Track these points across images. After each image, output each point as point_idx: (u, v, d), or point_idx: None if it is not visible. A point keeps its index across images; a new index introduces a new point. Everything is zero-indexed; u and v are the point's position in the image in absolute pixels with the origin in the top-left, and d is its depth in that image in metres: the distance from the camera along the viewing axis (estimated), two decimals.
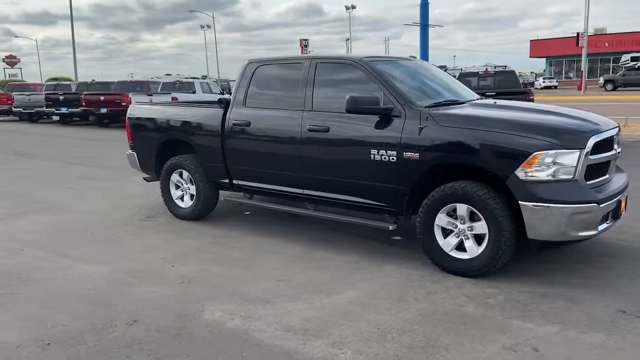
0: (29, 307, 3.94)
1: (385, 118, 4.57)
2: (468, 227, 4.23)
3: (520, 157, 3.92)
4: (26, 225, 6.21)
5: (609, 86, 42.22)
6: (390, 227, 4.69)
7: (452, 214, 4.32)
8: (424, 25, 15.50)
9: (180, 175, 6.30)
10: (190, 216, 6.21)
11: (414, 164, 4.38)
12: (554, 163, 3.88)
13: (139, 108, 6.83)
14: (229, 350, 3.23)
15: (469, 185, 4.15)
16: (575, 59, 60.95)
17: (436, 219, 4.35)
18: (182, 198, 6.37)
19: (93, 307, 3.89)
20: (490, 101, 5.45)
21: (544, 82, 58.19)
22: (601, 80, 46.39)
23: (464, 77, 13.40)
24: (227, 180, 5.88)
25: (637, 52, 50.51)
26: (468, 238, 4.25)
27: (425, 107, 4.53)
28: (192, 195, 6.24)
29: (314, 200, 5.26)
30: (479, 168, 4.19)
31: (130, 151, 6.85)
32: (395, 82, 4.74)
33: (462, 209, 4.22)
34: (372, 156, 4.60)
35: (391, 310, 3.69)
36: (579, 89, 41.74)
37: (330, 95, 5.07)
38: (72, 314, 3.78)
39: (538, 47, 66.45)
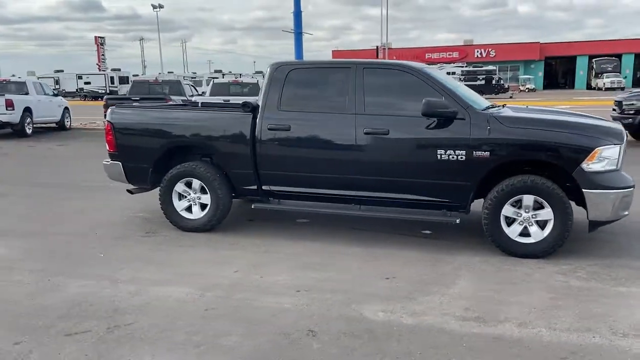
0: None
1: (448, 121, 4.99)
2: (532, 215, 4.89)
3: (585, 152, 4.70)
4: (31, 264, 5.21)
5: None
6: (457, 221, 5.13)
7: (515, 204, 4.94)
8: (298, 33, 16.11)
9: (187, 184, 5.87)
10: (204, 227, 5.83)
11: (483, 162, 4.90)
12: (606, 156, 4.75)
13: (127, 112, 6.15)
14: (438, 344, 3.36)
15: (537, 178, 4.82)
16: None
17: (503, 210, 4.93)
18: (188, 209, 5.93)
19: (263, 326, 3.62)
20: (523, 106, 6.24)
21: None
22: None
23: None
24: (254, 187, 5.69)
25: (430, 65, 58.24)
26: (532, 225, 4.91)
27: (482, 111, 5.08)
28: (202, 205, 5.86)
29: (362, 200, 5.44)
30: (545, 163, 4.88)
31: (112, 161, 6.12)
32: (452, 88, 5.20)
33: (528, 199, 4.86)
34: (438, 156, 4.99)
35: (524, 294, 4.12)
36: None
37: (385, 99, 5.31)
38: (251, 334, 3.49)
39: (340, 58, 72.06)
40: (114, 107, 6.22)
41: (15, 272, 4.70)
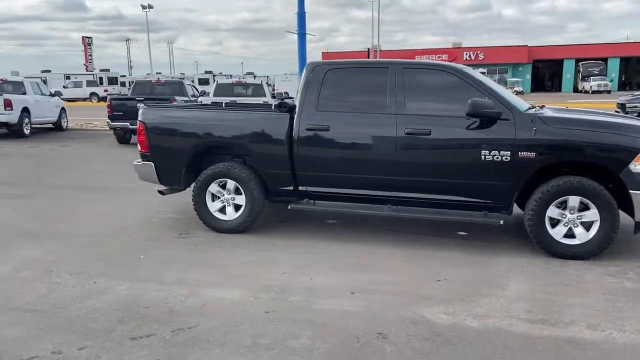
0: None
1: (491, 121, 4.97)
2: (577, 216, 4.89)
3: (633, 153, 4.71)
4: (69, 266, 5.07)
5: None
6: (501, 222, 5.10)
7: (560, 205, 4.93)
8: (302, 34, 16.07)
9: (221, 185, 5.79)
10: (238, 228, 5.75)
11: (528, 162, 4.89)
12: None
13: (160, 112, 6.05)
14: (513, 347, 3.33)
15: (583, 179, 4.81)
16: None
17: (547, 211, 4.92)
18: (221, 210, 5.84)
19: (329, 329, 3.56)
20: (563, 107, 6.24)
21: None
22: None
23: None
24: (291, 188, 5.63)
25: None
26: (577, 226, 4.90)
27: (525, 111, 5.07)
28: (236, 206, 5.78)
29: (399, 201, 5.40)
30: (588, 164, 4.88)
31: (144, 161, 6.01)
32: (495, 89, 5.19)
33: (574, 200, 4.86)
34: (482, 157, 4.96)
35: (581, 296, 4.11)
36: None
37: (426, 99, 5.28)
38: (319, 337, 3.42)
39: (329, 59, 72.03)
40: (145, 107, 6.10)
41: (54, 274, 4.58)
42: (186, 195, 6.38)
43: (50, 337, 3.43)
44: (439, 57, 64.12)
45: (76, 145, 14.54)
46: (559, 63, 63.42)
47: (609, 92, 52.30)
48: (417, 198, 5.31)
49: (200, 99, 14.55)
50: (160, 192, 6.24)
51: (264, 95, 15.57)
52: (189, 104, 7.78)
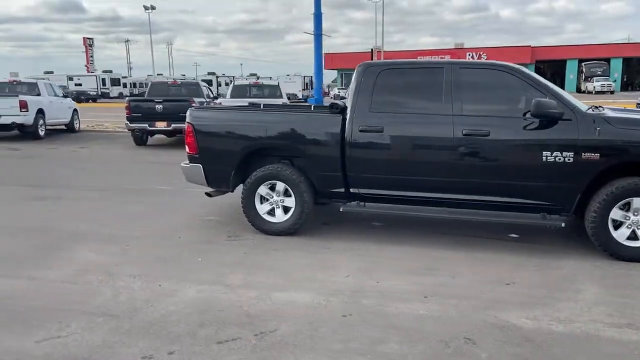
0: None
1: (553, 122, 4.92)
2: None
3: None
4: (129, 269, 5.02)
5: (338, 97, 48.64)
6: (562, 225, 5.04)
7: (623, 207, 4.88)
8: (318, 35, 16.03)
9: (270, 187, 5.73)
10: (288, 231, 5.69)
11: (592, 164, 4.83)
12: None
13: (209, 114, 6.00)
14: (610, 353, 3.28)
15: None
16: None
17: (611, 213, 4.87)
18: (270, 212, 5.78)
19: (414, 334, 3.50)
20: (620, 107, 6.19)
21: (338, 91, 63.66)
22: (332, 93, 52.96)
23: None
24: (342, 190, 5.57)
25: None
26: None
27: (587, 111, 5.02)
28: (285, 208, 5.72)
29: (454, 203, 5.34)
30: None
31: (192, 163, 5.95)
32: (555, 89, 5.13)
33: (638, 202, 4.80)
34: (544, 158, 4.91)
35: None
36: None
37: (483, 100, 5.23)
38: (407, 341, 3.37)
39: (331, 60, 72.24)
40: (193, 108, 6.05)
41: (117, 277, 4.52)
42: (225, 197, 6.36)
43: (135, 342, 3.37)
44: (442, 57, 64.24)
45: (95, 146, 14.46)
46: (562, 63, 63.50)
47: (612, 92, 52.35)
48: (474, 200, 5.25)
49: (219, 100, 14.48)
50: (207, 194, 6.18)
51: (281, 97, 15.52)
52: (238, 105, 7.68)
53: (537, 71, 64.40)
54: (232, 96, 15.41)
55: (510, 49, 63.35)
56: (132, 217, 6.60)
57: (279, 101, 14.40)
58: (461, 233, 5.77)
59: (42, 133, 16.35)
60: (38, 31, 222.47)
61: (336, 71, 73.58)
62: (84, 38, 78.63)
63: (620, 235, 4.88)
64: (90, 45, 79.21)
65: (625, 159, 4.86)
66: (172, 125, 13.93)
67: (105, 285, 4.34)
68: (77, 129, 18.97)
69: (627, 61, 62.43)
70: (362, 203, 5.63)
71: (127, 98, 15.28)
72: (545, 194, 5.03)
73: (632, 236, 4.88)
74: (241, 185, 5.95)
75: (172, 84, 16.88)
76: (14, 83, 18.39)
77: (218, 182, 5.96)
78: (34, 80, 18.67)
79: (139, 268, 4.74)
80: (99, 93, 52.72)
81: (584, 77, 59.35)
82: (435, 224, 5.99)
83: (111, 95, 55.53)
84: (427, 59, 55.09)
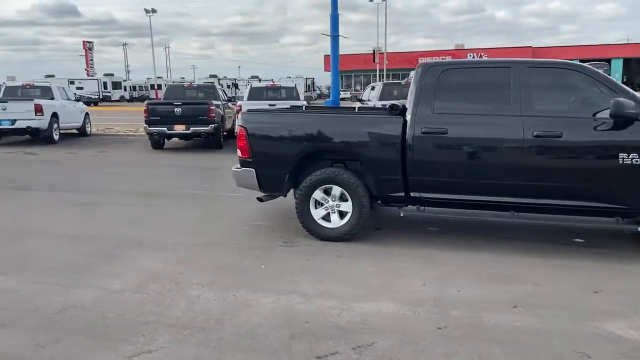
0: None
1: (629, 122, 4.77)
2: None
3: None
4: (196, 278, 4.85)
5: (355, 99, 48.50)
6: (639, 229, 4.89)
7: None
8: (335, 36, 15.92)
9: (325, 191, 5.57)
10: (345, 236, 5.53)
11: None
12: None
13: (262, 117, 5.85)
14: None
15: None
16: (362, 74, 68.35)
17: None
18: (325, 217, 5.62)
19: (522, 347, 3.35)
20: None
21: (340, 94, 63.66)
22: (348, 94, 52.78)
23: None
24: (402, 194, 5.42)
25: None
26: None
27: None
28: (340, 213, 5.56)
29: (521, 207, 5.19)
30: None
31: (244, 167, 5.79)
32: (628, 88, 4.99)
33: None
34: (620, 160, 4.76)
35: None
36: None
37: (553, 100, 5.10)
38: (518, 356, 3.21)
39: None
40: (247, 112, 5.89)
41: (186, 287, 4.35)
42: (268, 202, 6.21)
43: (230, 357, 3.21)
44: (442, 58, 64.17)
45: (113, 150, 14.28)
46: None
47: None
48: (543, 204, 5.10)
49: (239, 102, 14.30)
50: (259, 199, 6.03)
51: (298, 98, 15.36)
52: (291, 107, 7.52)
53: None
54: (249, 98, 15.23)
55: (511, 49, 63.28)
56: (178, 223, 6.43)
57: (298, 104, 14.24)
58: (525, 238, 5.63)
59: (56, 137, 16.16)
60: (33, 35, 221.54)
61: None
62: (83, 41, 78.15)
63: None
64: (90, 49, 78.78)
65: None
66: (191, 128, 13.79)
67: (176, 295, 4.18)
68: (89, 132, 18.80)
69: (626, 61, 62.48)
70: (422, 207, 5.48)
71: (146, 101, 15.07)
72: (620, 197, 4.89)
73: None
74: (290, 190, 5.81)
75: (188, 86, 16.73)
76: (27, 87, 18.19)
77: (271, 187, 5.80)
78: (48, 84, 18.46)
79: (204, 277, 4.58)
80: (101, 97, 52.46)
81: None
82: (495, 228, 5.85)
83: (112, 98, 55.29)
84: (424, 60, 54.82)
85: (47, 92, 17.10)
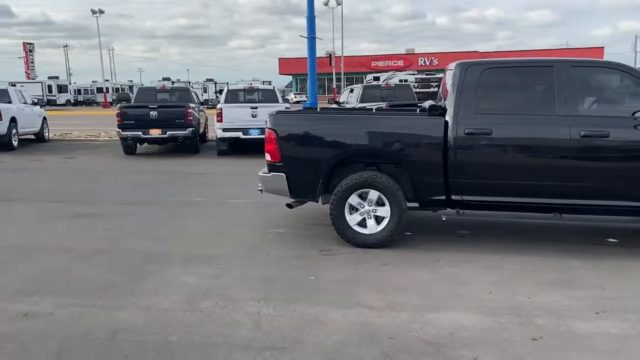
0: None
1: None
2: None
3: None
4: (241, 293, 4.49)
5: (332, 101, 48.31)
6: None
7: None
8: (312, 38, 15.69)
9: (361, 196, 5.33)
10: (383, 242, 5.30)
11: None
12: None
13: (294, 119, 5.54)
14: None
15: None
16: (317, 77, 68.24)
17: None
18: (360, 223, 5.37)
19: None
20: None
21: (295, 97, 63.51)
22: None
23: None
24: (442, 197, 5.24)
25: (377, 72, 58.86)
26: None
27: None
28: (376, 218, 5.33)
29: (565, 209, 5.13)
30: None
31: (273, 172, 5.47)
32: None
33: None
34: None
35: None
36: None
37: (597, 99, 5.05)
38: None
39: (286, 65, 72.05)
40: (276, 114, 5.56)
41: (240, 303, 4.01)
42: (282, 209, 6.00)
43: None
44: (394, 62, 65.22)
45: (82, 157, 13.48)
46: None
47: None
48: (588, 205, 5.04)
49: (219, 105, 13.76)
50: (288, 205, 5.71)
51: (277, 101, 14.99)
52: (324, 110, 7.19)
53: None
54: (226, 101, 14.71)
55: (460, 54, 64.95)
56: (194, 233, 6.02)
57: (280, 106, 13.91)
58: (557, 239, 5.56)
59: (15, 144, 15.16)
60: None
61: (291, 76, 73.33)
62: (23, 43, 74.26)
63: None
64: (31, 51, 75.09)
65: None
66: (168, 132, 13.23)
67: (233, 312, 3.83)
68: (47, 138, 17.76)
69: None
70: (461, 211, 5.33)
71: (118, 105, 14.34)
72: None
73: None
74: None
75: (160, 89, 16.06)
76: None
77: (303, 192, 5.50)
78: (4, 87, 17.29)
79: (254, 291, 4.24)
80: (45, 100, 49.99)
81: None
82: (523, 230, 5.77)
83: (58, 102, 52.85)
84: (377, 64, 55.39)
85: (3, 95, 16.00)
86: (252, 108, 13.23)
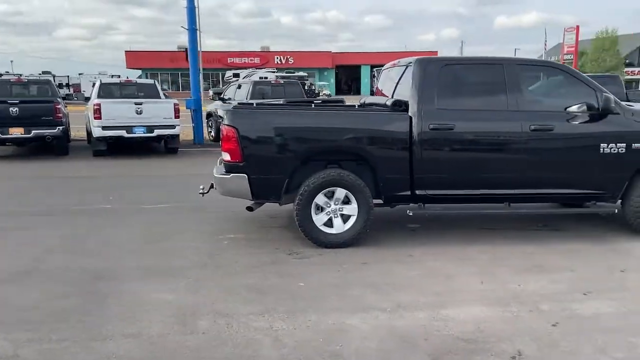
0: None
1: (604, 115, 5.30)
2: None
3: None
4: (246, 308, 3.98)
5: (217, 97, 47.47)
6: (616, 211, 5.47)
7: None
8: (193, 29, 14.85)
9: (328, 195, 5.15)
10: (350, 242, 5.17)
11: (638, 152, 5.34)
12: None
13: (258, 115, 5.13)
14: None
15: None
16: (170, 72, 65.98)
17: None
18: (327, 223, 5.19)
19: None
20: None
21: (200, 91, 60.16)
22: (210, 92, 51.50)
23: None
24: (407, 192, 5.26)
25: (233, 69, 57.98)
26: None
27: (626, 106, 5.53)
28: (344, 217, 5.20)
29: (514, 198, 5.45)
30: None
31: (234, 173, 5.03)
32: (600, 86, 5.53)
33: None
34: (601, 149, 5.27)
35: None
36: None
37: (541, 96, 5.43)
38: None
39: (135, 58, 68.06)
40: (236, 109, 5.10)
41: (241, 318, 3.62)
42: (220, 212, 5.62)
43: None
44: (251, 59, 64.93)
45: None
46: (357, 69, 69.08)
47: None
48: (536, 194, 5.40)
49: (96, 100, 12.37)
50: (249, 208, 5.30)
51: (159, 96, 13.99)
52: (289, 104, 6.67)
53: (336, 76, 69.34)
54: (100, 96, 13.34)
55: (314, 53, 66.90)
56: (133, 243, 5.35)
57: (167, 102, 12.99)
58: (498, 227, 5.89)
59: None
60: None
61: (140, 70, 69.21)
62: None
63: None
64: None
65: None
66: (33, 131, 11.68)
67: (241, 331, 3.43)
68: None
69: None
70: (422, 205, 5.39)
71: None
72: (601, 183, 5.39)
73: None
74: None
75: (16, 81, 14.04)
76: None
77: (266, 194, 5.14)
78: None
79: (248, 303, 3.87)
80: None
81: (376, 80, 65.24)
82: (476, 220, 6.04)
83: None
84: (234, 60, 54.34)
85: None
86: (136, 104, 12.16)
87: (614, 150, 5.26)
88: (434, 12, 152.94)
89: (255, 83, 14.83)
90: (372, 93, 38.99)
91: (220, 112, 5.23)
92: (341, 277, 4.41)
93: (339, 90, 68.53)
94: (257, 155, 5.01)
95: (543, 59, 7.33)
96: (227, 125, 4.97)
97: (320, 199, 5.10)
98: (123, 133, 11.97)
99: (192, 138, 14.69)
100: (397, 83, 6.09)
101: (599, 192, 5.46)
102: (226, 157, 5.01)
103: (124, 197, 7.56)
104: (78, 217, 6.42)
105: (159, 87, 14.24)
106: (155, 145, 13.13)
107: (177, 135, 12.71)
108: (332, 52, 67.62)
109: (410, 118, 5.13)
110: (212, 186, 5.90)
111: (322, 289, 4.15)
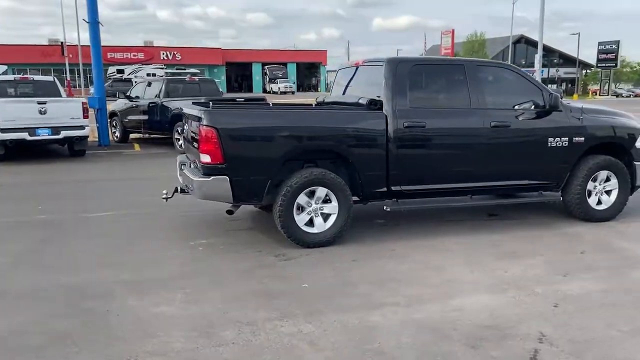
0: None
1: (549, 112, 5.83)
2: (603, 186, 6.17)
3: (637, 134, 6.22)
4: (257, 314, 3.80)
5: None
6: (561, 199, 6.02)
7: (594, 179, 6.09)
8: (95, 22, 13.84)
9: (308, 194, 5.15)
10: (330, 241, 5.19)
11: (579, 145, 5.90)
12: None
13: (239, 115, 4.95)
14: None
15: (610, 158, 6.05)
16: (41, 68, 61.12)
17: (588, 185, 6.06)
18: (308, 223, 5.19)
19: None
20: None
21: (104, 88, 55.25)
22: (91, 90, 48.34)
23: None
24: (384, 189, 5.41)
25: (114, 64, 54.66)
26: (603, 194, 6.18)
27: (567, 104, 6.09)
28: (324, 216, 5.23)
29: (476, 191, 5.83)
30: (616, 144, 6.13)
31: (215, 176, 4.83)
32: (544, 84, 6.05)
33: (604, 174, 6.11)
34: (549, 143, 5.79)
35: None
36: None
37: (497, 94, 5.81)
38: None
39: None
40: (214, 109, 4.88)
41: (265, 325, 3.51)
42: (187, 215, 5.45)
43: None
44: (134, 55, 61.82)
45: None
46: (249, 66, 68.58)
47: (293, 92, 59.28)
48: (494, 186, 5.81)
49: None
50: (229, 211, 5.13)
51: (59, 95, 12.89)
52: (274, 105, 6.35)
53: (227, 73, 68.26)
54: None
55: (203, 50, 65.29)
56: (102, 255, 4.94)
57: (73, 101, 12.05)
58: (456, 218, 6.24)
59: None
60: None
61: (6, 66, 62.98)
62: None
63: (592, 202, 6.10)
64: None
65: (598, 141, 6.05)
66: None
67: (272, 335, 3.36)
68: None
69: (298, 66, 71.34)
70: (397, 200, 5.56)
71: None
72: (548, 174, 5.91)
73: (599, 200, 6.15)
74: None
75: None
76: None
77: (248, 196, 5.00)
78: None
79: (262, 309, 3.77)
80: None
81: (268, 79, 65.38)
82: (439, 213, 6.33)
83: None
84: (114, 56, 51.40)
85: None
86: (39, 103, 11.14)
87: (559, 143, 5.80)
88: (314, 12, 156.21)
89: (169, 81, 14.21)
90: (264, 90, 39.57)
91: (191, 111, 4.98)
92: (339, 276, 4.43)
93: (230, 88, 67.53)
94: (239, 157, 4.86)
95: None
96: (206, 125, 4.76)
97: (302, 198, 5.07)
98: (25, 135, 10.92)
99: (97, 139, 13.74)
100: (348, 84, 6.26)
101: (546, 182, 5.98)
102: (205, 159, 4.80)
103: (56, 206, 6.93)
104: (16, 230, 5.79)
105: (59, 85, 13.12)
106: (57, 148, 12.11)
107: (86, 137, 11.85)
108: (222, 48, 66.38)
109: (386, 116, 5.26)
110: (176, 190, 5.63)
111: (327, 289, 4.14)
